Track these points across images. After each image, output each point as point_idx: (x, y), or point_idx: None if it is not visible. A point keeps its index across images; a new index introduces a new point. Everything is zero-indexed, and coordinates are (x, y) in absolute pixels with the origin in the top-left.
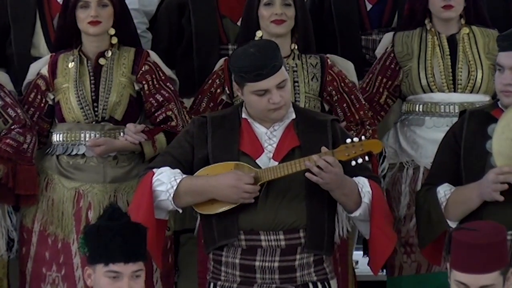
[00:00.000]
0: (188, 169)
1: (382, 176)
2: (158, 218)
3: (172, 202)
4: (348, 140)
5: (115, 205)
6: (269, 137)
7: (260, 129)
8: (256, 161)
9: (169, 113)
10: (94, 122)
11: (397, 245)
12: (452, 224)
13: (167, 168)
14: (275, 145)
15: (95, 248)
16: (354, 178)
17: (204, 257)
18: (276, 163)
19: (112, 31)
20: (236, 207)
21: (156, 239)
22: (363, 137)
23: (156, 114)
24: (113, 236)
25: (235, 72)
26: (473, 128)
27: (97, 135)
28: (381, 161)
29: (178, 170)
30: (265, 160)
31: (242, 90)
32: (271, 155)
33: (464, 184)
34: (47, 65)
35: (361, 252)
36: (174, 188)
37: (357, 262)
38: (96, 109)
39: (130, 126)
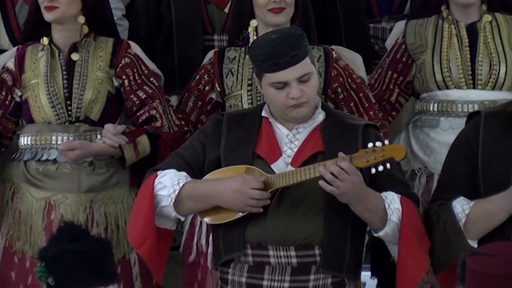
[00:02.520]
0: (199, 173)
1: None
2: (163, 228)
3: (173, 209)
4: (370, 145)
5: (72, 223)
6: (291, 140)
7: (281, 131)
8: (272, 166)
9: (153, 112)
10: (67, 123)
11: None
12: (473, 244)
13: (173, 170)
14: (296, 149)
15: (62, 276)
16: (383, 193)
17: (191, 279)
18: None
19: (82, 19)
20: (245, 217)
21: (158, 252)
22: (386, 142)
23: (138, 114)
24: (81, 260)
25: (252, 60)
26: (492, 133)
27: (70, 138)
28: None
29: (184, 173)
30: (282, 166)
31: (261, 82)
32: (290, 160)
33: (483, 197)
34: (14, 58)
35: (369, 273)
36: (176, 192)
37: (364, 284)
38: (69, 108)
39: (108, 127)
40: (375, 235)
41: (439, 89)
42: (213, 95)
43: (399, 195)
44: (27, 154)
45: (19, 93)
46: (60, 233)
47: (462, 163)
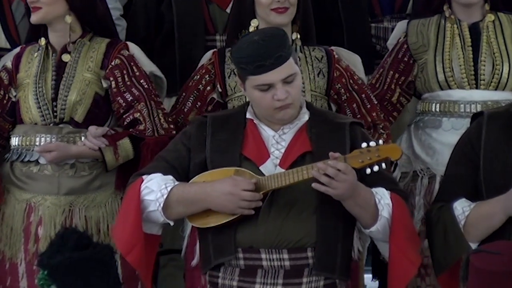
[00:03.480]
0: (184, 176)
1: None
2: (150, 233)
3: (162, 213)
4: (364, 145)
5: (75, 229)
6: (277, 141)
7: (267, 132)
8: (260, 167)
9: (137, 115)
10: (52, 124)
11: None
12: (473, 246)
13: (159, 174)
14: (283, 150)
15: (66, 284)
16: (373, 189)
17: (194, 283)
18: (283, 170)
19: (69, 19)
20: (235, 220)
21: (146, 258)
22: (380, 141)
23: (124, 116)
24: (88, 268)
25: (235, 63)
26: (494, 133)
27: (52, 139)
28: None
29: (171, 177)
30: (271, 167)
31: (244, 85)
32: (278, 161)
33: (485, 200)
34: (13, 57)
35: (370, 275)
36: (165, 197)
37: (365, 287)
38: (55, 109)
39: (91, 129)
40: (366, 232)
41: (441, 89)
42: (215, 95)
43: (389, 191)
44: (14, 155)
45: (14, 93)
46: (64, 240)
47: (464, 164)
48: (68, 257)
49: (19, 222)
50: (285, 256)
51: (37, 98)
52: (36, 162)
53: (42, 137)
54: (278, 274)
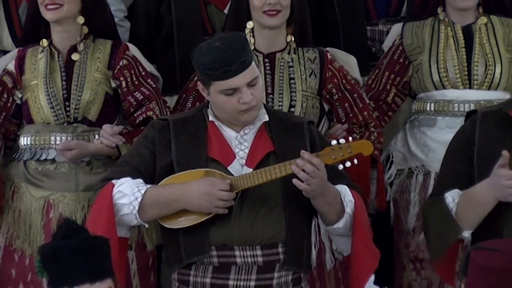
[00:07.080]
0: (150, 179)
1: (389, 184)
2: (119, 236)
3: (137, 216)
4: (334, 142)
5: (68, 219)
6: (240, 141)
7: (229, 133)
8: (228, 168)
9: (150, 113)
10: (65, 124)
11: (405, 261)
12: (466, 233)
13: (128, 178)
14: (247, 151)
15: (55, 271)
16: (336, 186)
17: None
18: (250, 170)
19: (81, 20)
20: (208, 220)
21: (120, 261)
22: (350, 138)
23: (135, 115)
24: (73, 256)
25: (199, 69)
26: (487, 131)
27: (68, 138)
28: (387, 167)
29: (141, 180)
30: (238, 167)
31: (208, 90)
32: (244, 161)
33: None
34: (14, 60)
35: None
36: (139, 200)
37: None
38: (67, 108)
39: (106, 127)
40: (329, 228)
41: (436, 89)
42: None
43: (348, 188)
44: (26, 154)
45: (20, 95)
46: (57, 231)
47: (459, 159)
48: (52, 247)
49: (38, 219)
50: (259, 252)
51: (50, 99)
52: (53, 160)
53: (58, 136)
54: (252, 270)
